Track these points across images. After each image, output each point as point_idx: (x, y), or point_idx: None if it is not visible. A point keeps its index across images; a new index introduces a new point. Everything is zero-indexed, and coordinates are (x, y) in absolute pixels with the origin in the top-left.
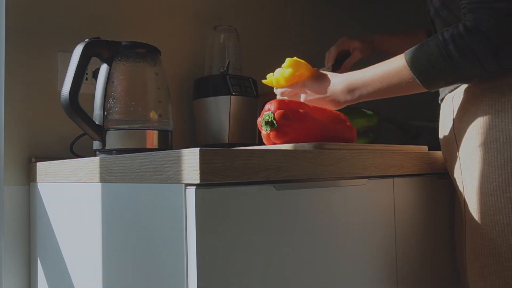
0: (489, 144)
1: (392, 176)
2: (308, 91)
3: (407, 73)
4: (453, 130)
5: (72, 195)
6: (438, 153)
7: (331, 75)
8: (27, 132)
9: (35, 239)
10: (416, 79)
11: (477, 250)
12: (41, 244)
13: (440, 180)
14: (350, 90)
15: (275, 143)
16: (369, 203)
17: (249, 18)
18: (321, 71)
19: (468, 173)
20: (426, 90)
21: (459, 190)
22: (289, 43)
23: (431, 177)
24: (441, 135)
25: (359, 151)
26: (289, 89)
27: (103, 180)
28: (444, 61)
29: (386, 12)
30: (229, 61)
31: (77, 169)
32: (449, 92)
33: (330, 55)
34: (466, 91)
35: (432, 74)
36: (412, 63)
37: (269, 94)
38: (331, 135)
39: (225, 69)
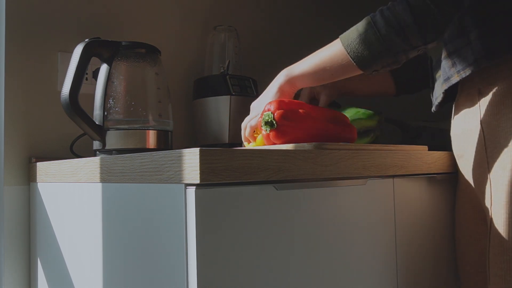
0: None
1: (392, 176)
2: (258, 100)
3: (339, 46)
4: (480, 123)
5: (72, 195)
6: (438, 153)
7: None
8: (27, 132)
9: (35, 239)
10: (350, 57)
11: (505, 244)
12: (41, 244)
13: (440, 180)
14: (286, 70)
15: (275, 143)
16: (369, 203)
17: (249, 18)
18: None
19: (499, 165)
20: (358, 69)
21: (478, 186)
22: (289, 43)
23: (431, 177)
24: (457, 131)
25: (359, 151)
26: (251, 118)
27: (103, 180)
28: (371, 29)
29: None
30: (229, 61)
31: (77, 169)
32: (472, 88)
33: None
34: (500, 83)
35: (362, 48)
36: (344, 37)
37: None
38: (331, 135)
39: (225, 69)
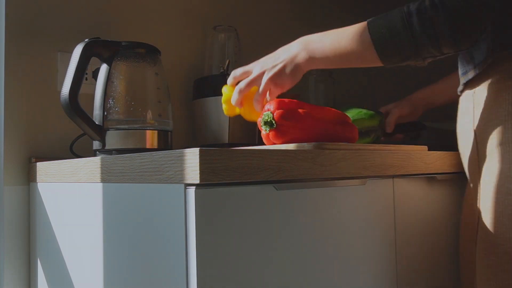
0: (510, 144)
1: (392, 176)
2: (263, 62)
3: (366, 39)
4: (473, 126)
5: (72, 195)
6: (438, 153)
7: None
8: (27, 132)
9: (35, 239)
10: (374, 47)
11: (490, 248)
12: (41, 244)
13: (440, 180)
14: (306, 45)
15: (274, 143)
16: (369, 203)
17: (249, 18)
18: None
19: (487, 171)
20: (381, 64)
21: (473, 187)
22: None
23: (431, 177)
24: (459, 129)
25: (359, 151)
26: (246, 80)
27: (103, 180)
28: (405, 33)
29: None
30: (229, 61)
31: (77, 169)
32: (468, 87)
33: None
34: (489, 87)
35: (390, 45)
36: (373, 30)
37: None
38: (332, 135)
39: (225, 69)
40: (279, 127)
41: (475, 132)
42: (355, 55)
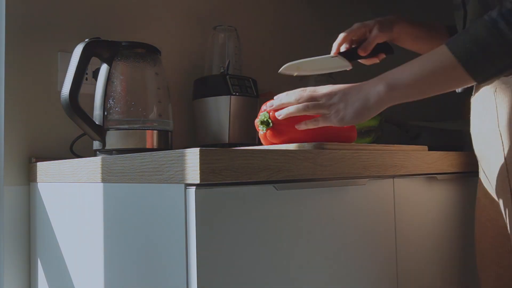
0: None
1: (392, 176)
2: (340, 94)
3: (449, 61)
4: (498, 126)
5: (72, 195)
6: (438, 153)
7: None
8: (27, 132)
9: (35, 239)
10: (464, 69)
11: None
12: (41, 244)
13: (440, 180)
14: (393, 98)
15: (273, 143)
16: (369, 203)
17: (249, 18)
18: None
19: None
20: (474, 83)
21: (501, 189)
22: (289, 43)
23: (431, 177)
24: (476, 131)
25: (359, 151)
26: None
27: (103, 180)
28: (495, 41)
29: (388, 13)
30: (229, 61)
31: (77, 169)
32: (488, 86)
33: (337, 43)
34: None
35: (481, 59)
36: (458, 52)
37: (269, 94)
38: (330, 134)
39: (225, 69)
40: (276, 127)
41: (501, 133)
42: (446, 84)
